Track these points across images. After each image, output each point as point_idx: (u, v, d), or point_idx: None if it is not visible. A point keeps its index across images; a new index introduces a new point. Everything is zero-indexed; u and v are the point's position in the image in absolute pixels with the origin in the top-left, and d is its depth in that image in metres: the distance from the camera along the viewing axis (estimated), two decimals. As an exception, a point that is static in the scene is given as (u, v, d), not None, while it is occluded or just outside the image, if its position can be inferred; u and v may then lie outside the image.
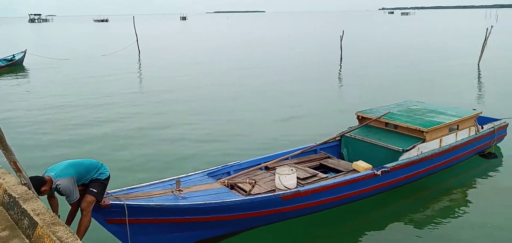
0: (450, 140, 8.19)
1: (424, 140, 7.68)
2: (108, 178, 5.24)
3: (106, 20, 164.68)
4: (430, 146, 7.79)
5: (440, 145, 7.99)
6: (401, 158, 7.42)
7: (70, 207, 5.07)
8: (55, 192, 4.91)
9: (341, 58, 26.86)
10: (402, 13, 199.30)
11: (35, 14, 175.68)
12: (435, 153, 7.82)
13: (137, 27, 36.86)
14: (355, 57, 28.78)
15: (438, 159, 7.96)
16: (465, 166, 8.78)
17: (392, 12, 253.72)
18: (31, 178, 4.64)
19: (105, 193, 5.28)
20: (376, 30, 64.31)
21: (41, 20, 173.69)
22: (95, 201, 5.00)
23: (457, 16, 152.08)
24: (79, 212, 5.08)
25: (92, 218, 5.13)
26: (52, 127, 12.37)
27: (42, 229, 3.57)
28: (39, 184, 4.65)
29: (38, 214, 3.80)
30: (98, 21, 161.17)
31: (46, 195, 4.86)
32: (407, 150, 7.48)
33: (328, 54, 30.62)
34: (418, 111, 8.78)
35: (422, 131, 7.67)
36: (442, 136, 8.02)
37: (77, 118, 13.37)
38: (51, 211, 3.98)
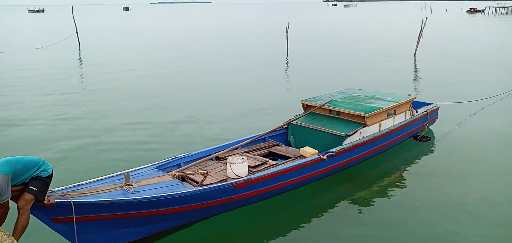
0: (388, 124, 8.72)
1: (365, 125, 8.12)
2: (50, 176, 4.95)
3: (42, 10, 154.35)
4: (370, 130, 8.25)
5: (379, 129, 8.48)
6: (344, 142, 7.79)
7: None
8: (8, 200, 4.55)
9: (287, 49, 27.39)
10: (345, 6, 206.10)
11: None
12: (375, 137, 8.29)
13: (76, 18, 35.04)
14: (300, 47, 29.48)
15: (378, 142, 8.46)
16: (401, 149, 9.39)
17: (336, 4, 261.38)
18: None
19: (49, 191, 5.03)
20: (320, 22, 66.08)
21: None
22: (33, 200, 4.70)
23: (395, 8, 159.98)
24: (10, 213, 4.74)
25: (37, 218, 4.87)
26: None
27: (-23, 230, 3.37)
28: None
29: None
30: (34, 11, 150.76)
31: None
32: (350, 135, 7.86)
33: (274, 45, 31.09)
34: (359, 98, 9.23)
35: (363, 117, 8.10)
36: (381, 120, 8.52)
37: (11, 114, 12.55)
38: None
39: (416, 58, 24.19)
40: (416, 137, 9.90)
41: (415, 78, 18.76)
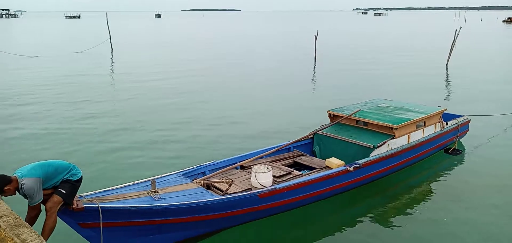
0: (417, 136, 8.49)
1: (393, 137, 7.93)
2: (79, 180, 5.05)
3: (79, 16, 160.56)
4: (399, 142, 8.05)
5: (408, 141, 8.26)
6: (372, 154, 7.63)
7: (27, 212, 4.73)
8: (39, 204, 4.68)
9: (315, 57, 27.23)
10: (375, 14, 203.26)
11: (2, 9, 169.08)
12: (404, 149, 8.08)
13: (110, 24, 36.16)
14: (329, 56, 29.25)
15: (406, 154, 8.24)
16: (431, 161, 9.11)
17: (366, 13, 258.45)
18: None
19: (78, 196, 5.15)
20: (349, 30, 65.40)
21: (9, 15, 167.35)
22: (61, 202, 4.80)
23: (427, 17, 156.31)
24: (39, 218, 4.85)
25: (65, 223, 5.00)
26: (21, 126, 12.01)
27: (5, 232, 3.49)
28: (3, 183, 4.48)
29: (1, 216, 3.71)
30: (70, 17, 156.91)
31: (29, 204, 4.64)
32: (377, 146, 7.69)
33: (302, 53, 30.98)
34: (387, 109, 9.04)
35: (392, 128, 7.91)
36: (410, 132, 8.30)
37: (47, 117, 13.02)
38: (15, 213, 3.86)
39: (448, 69, 23.50)
40: (446, 150, 9.60)
41: (446, 90, 18.22)
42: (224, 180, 6.45)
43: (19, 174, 4.63)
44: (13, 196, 4.63)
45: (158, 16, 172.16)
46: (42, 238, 3.39)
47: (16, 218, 3.71)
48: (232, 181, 6.50)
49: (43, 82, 19.52)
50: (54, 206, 4.75)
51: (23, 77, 21.20)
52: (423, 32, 61.82)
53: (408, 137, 8.29)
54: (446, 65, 24.30)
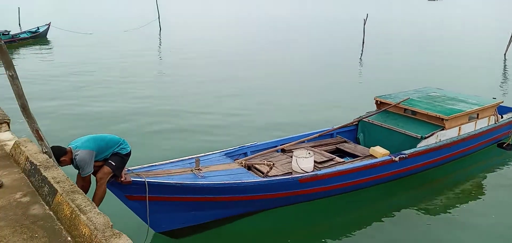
0: (469, 128, 8.04)
1: (443, 128, 7.55)
2: (128, 154, 5.23)
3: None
4: (449, 134, 7.66)
5: (459, 133, 7.85)
6: (419, 145, 7.33)
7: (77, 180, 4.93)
8: (90, 176, 4.91)
9: (363, 42, 26.42)
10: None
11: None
12: (454, 141, 7.69)
13: (159, 2, 36.91)
14: (378, 41, 28.24)
15: (456, 147, 7.84)
16: (482, 156, 8.63)
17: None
18: (52, 147, 4.72)
19: (126, 170, 5.33)
20: (400, 15, 62.84)
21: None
22: (111, 173, 4.99)
23: (487, 2, 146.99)
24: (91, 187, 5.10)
25: (111, 193, 5.21)
26: (74, 100, 12.63)
27: (61, 197, 3.68)
28: (59, 154, 4.72)
29: (58, 182, 3.92)
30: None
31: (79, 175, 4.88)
32: (426, 137, 7.37)
33: (350, 37, 30.14)
34: (438, 98, 8.62)
35: (442, 119, 7.54)
36: (462, 124, 7.87)
37: (98, 93, 13.61)
38: (70, 180, 4.07)
39: (506, 59, 22.00)
40: (500, 144, 9.02)
41: (503, 81, 17.06)
42: (266, 162, 6.44)
43: (73, 145, 4.85)
44: (68, 165, 4.87)
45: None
46: (94, 205, 3.55)
47: (72, 185, 3.91)
48: (273, 163, 6.49)
49: (93, 60, 20.35)
50: (104, 176, 4.95)
51: (76, 54, 22.24)
52: (480, 18, 58.16)
53: (459, 129, 7.87)
54: (504, 55, 22.74)
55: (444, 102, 8.37)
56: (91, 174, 4.91)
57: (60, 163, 4.76)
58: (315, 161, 6.72)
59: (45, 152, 4.60)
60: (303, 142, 7.83)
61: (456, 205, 6.77)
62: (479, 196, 7.09)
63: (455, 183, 7.56)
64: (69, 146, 4.87)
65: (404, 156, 6.98)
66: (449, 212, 6.55)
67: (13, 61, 4.41)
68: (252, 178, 6.07)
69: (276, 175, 6.31)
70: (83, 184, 4.84)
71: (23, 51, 22.74)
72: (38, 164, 4.31)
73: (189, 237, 5.87)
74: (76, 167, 4.88)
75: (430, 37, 33.29)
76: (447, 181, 7.64)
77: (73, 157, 4.78)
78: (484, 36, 33.53)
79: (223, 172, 6.15)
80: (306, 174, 6.27)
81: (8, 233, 3.39)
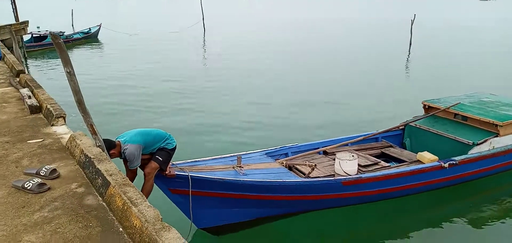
0: None
1: (497, 135, 7.14)
2: (174, 149, 5.35)
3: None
4: (504, 141, 7.23)
5: (515, 141, 7.40)
6: (470, 152, 6.98)
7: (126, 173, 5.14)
8: (136, 168, 5.08)
9: (410, 44, 25.58)
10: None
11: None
12: (509, 149, 7.25)
13: (203, 3, 37.66)
14: (426, 43, 27.25)
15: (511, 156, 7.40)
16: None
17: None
18: (103, 140, 4.94)
19: (171, 164, 5.46)
20: (450, 16, 60.22)
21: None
22: (158, 168, 5.13)
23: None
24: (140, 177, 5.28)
25: (156, 186, 5.35)
26: (121, 96, 13.17)
27: (114, 189, 3.85)
28: (109, 147, 4.92)
29: (111, 175, 4.09)
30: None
31: (127, 167, 5.07)
32: (478, 144, 7.00)
33: (397, 39, 29.29)
34: (491, 104, 8.17)
35: (496, 125, 7.13)
36: None
37: (145, 90, 14.11)
38: (122, 173, 4.24)
39: None
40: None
41: None
42: (307, 163, 6.39)
43: (122, 139, 5.04)
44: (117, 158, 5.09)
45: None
46: (145, 197, 3.68)
47: (123, 178, 4.07)
48: (315, 165, 6.42)
49: (141, 60, 21.10)
50: (152, 171, 5.11)
51: (130, 52, 23.16)
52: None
53: (515, 137, 7.42)
54: None
55: (498, 107, 7.92)
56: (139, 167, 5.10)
57: (110, 156, 4.94)
58: (359, 165, 6.58)
59: (99, 146, 4.82)
60: (347, 145, 7.70)
61: (510, 219, 6.38)
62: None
63: (510, 194, 7.13)
64: (117, 140, 5.06)
65: (454, 162, 6.68)
66: (502, 226, 6.19)
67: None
68: (294, 178, 6.04)
69: (318, 177, 6.24)
70: (131, 175, 5.04)
71: (76, 51, 23.96)
72: (92, 157, 4.53)
73: (230, 234, 5.94)
74: (125, 159, 5.07)
75: (483, 39, 31.65)
76: (501, 192, 7.23)
77: (122, 150, 4.97)
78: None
79: (264, 170, 6.16)
80: (349, 177, 6.16)
81: (65, 221, 3.59)
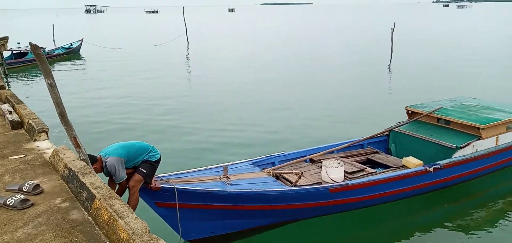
0: (507, 138, 7.72)
1: (479, 138, 7.30)
2: (158, 161, 5.31)
3: (157, 11, 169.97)
4: (486, 144, 7.39)
5: (496, 144, 7.55)
6: (454, 155, 7.10)
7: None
8: (125, 182, 5.05)
9: (391, 52, 26.03)
10: (458, 6, 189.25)
11: (91, 5, 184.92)
12: (491, 152, 7.40)
13: (186, 18, 37.69)
14: (406, 51, 27.78)
15: (494, 158, 7.53)
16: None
17: (447, 5, 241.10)
18: None
19: (156, 176, 5.41)
20: (429, 24, 61.59)
21: (96, 10, 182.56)
22: (142, 181, 5.08)
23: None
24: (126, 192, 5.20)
25: (142, 200, 5.27)
26: (105, 111, 13.00)
27: (99, 202, 3.77)
28: (90, 162, 4.85)
29: (96, 188, 4.02)
30: (149, 12, 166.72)
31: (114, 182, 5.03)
32: (461, 147, 7.13)
33: (378, 48, 29.77)
34: (473, 108, 8.35)
35: (478, 128, 7.28)
36: (499, 134, 7.58)
37: (128, 103, 13.96)
38: (107, 185, 4.17)
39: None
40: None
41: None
42: (294, 172, 6.40)
43: (103, 153, 5.01)
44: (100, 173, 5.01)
45: (231, 10, 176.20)
46: (131, 210, 3.62)
47: (109, 190, 4.00)
48: (302, 173, 6.44)
49: (125, 73, 20.93)
50: (136, 184, 5.06)
51: (112, 65, 22.94)
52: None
53: (497, 139, 7.57)
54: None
55: (479, 111, 8.10)
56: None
57: None
58: (345, 172, 6.62)
59: (83, 159, 4.74)
60: (333, 152, 7.75)
61: (495, 221, 6.48)
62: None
63: (494, 196, 7.25)
64: (99, 155, 5.03)
65: (439, 166, 6.78)
66: (487, 228, 6.27)
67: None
68: (281, 187, 6.04)
69: (305, 185, 6.25)
70: (120, 191, 4.96)
71: (58, 66, 23.61)
72: (76, 170, 4.44)
73: (219, 246, 5.88)
74: (107, 173, 5.02)
75: (459, 44, 32.44)
76: (485, 194, 7.36)
77: (103, 165, 4.94)
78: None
79: (251, 180, 6.15)
80: (336, 184, 6.18)
81: (50, 237, 3.50)
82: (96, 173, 4.89)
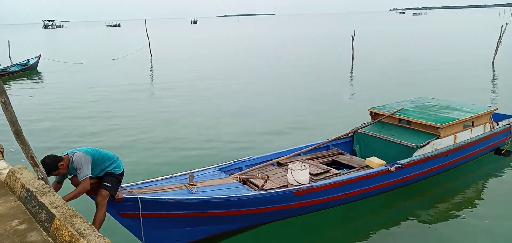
0: (465, 136, 8.09)
1: (438, 137, 7.60)
2: (122, 174, 5.31)
3: (119, 25, 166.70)
4: (444, 143, 7.70)
5: (454, 142, 7.89)
6: (415, 154, 7.35)
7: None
8: (88, 181, 4.97)
9: (353, 58, 26.76)
10: (414, 13, 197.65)
11: (49, 20, 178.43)
12: (449, 150, 7.72)
13: (149, 31, 37.19)
14: (367, 56, 28.64)
15: (452, 156, 7.87)
16: (479, 163, 8.65)
17: (404, 13, 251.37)
18: (48, 156, 4.87)
19: (119, 187, 5.32)
20: (387, 30, 63.90)
21: (55, 26, 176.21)
22: (109, 196, 5.07)
23: (470, 15, 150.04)
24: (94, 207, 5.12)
25: (107, 212, 5.18)
26: (65, 127, 12.54)
27: (59, 222, 3.62)
28: (56, 161, 4.85)
29: (55, 207, 3.85)
30: (111, 26, 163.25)
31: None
32: (421, 146, 7.40)
33: (339, 54, 30.53)
34: (432, 108, 8.69)
35: (437, 127, 7.58)
36: (457, 132, 7.92)
37: (89, 118, 13.54)
38: (68, 204, 4.02)
39: (494, 66, 22.37)
40: (497, 151, 9.08)
41: (494, 88, 17.31)
42: (260, 176, 6.42)
43: (70, 151, 5.00)
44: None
45: (194, 22, 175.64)
46: (94, 227, 3.50)
47: (69, 209, 3.83)
48: (268, 177, 6.45)
49: (89, 85, 20.36)
50: (103, 199, 5.04)
51: (72, 81, 22.22)
52: (466, 30, 59.28)
53: (455, 138, 7.91)
54: (492, 63, 23.14)
55: (438, 111, 8.44)
56: (91, 198, 4.88)
57: (58, 170, 4.86)
58: (311, 174, 6.70)
59: (41, 178, 4.55)
60: (299, 154, 7.84)
61: (454, 214, 6.76)
62: (477, 204, 7.09)
63: (453, 192, 7.55)
64: (64, 154, 5.00)
65: (400, 165, 6.99)
66: (447, 222, 6.52)
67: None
68: (247, 192, 6.04)
69: (271, 189, 6.28)
70: (80, 188, 4.91)
71: (14, 83, 22.61)
72: (34, 190, 4.25)
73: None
74: (72, 171, 4.98)
75: (416, 48, 33.84)
76: (445, 190, 7.64)
77: (70, 161, 4.92)
78: (471, 47, 34.10)
79: (218, 186, 6.12)
80: (301, 186, 6.24)
81: (5, 261, 3.32)
82: (62, 172, 4.95)
